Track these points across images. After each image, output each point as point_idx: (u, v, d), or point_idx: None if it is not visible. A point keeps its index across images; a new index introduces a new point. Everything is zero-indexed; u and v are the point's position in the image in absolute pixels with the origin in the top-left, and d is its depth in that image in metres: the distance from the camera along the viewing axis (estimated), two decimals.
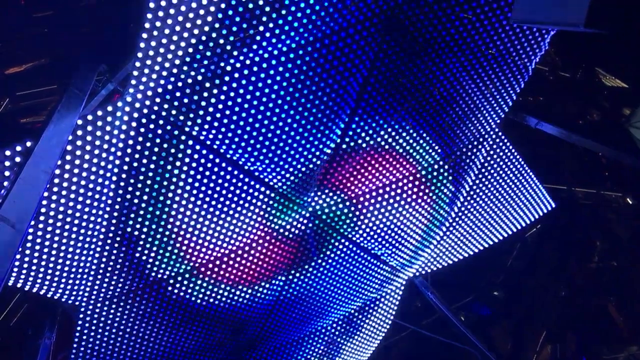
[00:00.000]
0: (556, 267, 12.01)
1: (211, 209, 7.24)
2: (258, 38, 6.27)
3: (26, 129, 8.05)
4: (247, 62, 6.36)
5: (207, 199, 7.14)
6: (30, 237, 6.39)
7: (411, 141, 8.11)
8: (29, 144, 5.53)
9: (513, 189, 9.69)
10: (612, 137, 9.60)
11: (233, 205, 7.34)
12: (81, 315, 7.47)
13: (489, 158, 9.15)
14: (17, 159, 5.60)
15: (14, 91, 7.84)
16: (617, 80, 10.15)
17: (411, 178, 8.62)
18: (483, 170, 9.22)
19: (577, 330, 11.85)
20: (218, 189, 7.12)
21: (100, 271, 7.17)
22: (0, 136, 7.66)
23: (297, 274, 8.60)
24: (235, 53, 6.26)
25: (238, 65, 6.35)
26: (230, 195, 7.26)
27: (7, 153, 5.69)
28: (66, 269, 6.91)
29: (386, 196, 8.55)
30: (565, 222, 11.59)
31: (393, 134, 7.90)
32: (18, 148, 5.65)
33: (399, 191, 8.59)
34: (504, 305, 12.31)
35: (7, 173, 5.55)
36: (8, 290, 7.38)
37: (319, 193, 7.99)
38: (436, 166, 8.67)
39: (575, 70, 10.35)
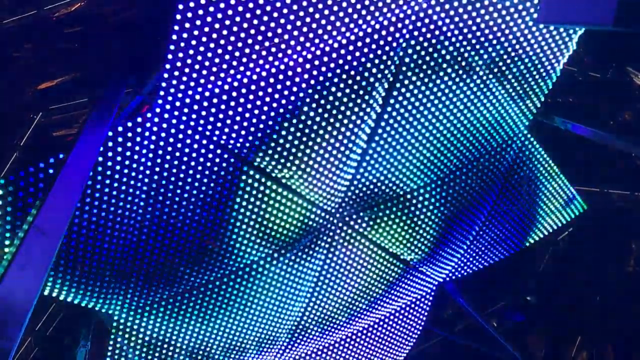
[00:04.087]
0: (590, 271, 11.77)
1: (240, 217, 7.29)
2: (283, 46, 6.32)
3: (59, 141, 8.22)
4: (273, 70, 6.42)
5: (236, 206, 7.20)
6: (64, 247, 6.53)
7: (438, 145, 8.06)
8: (61, 156, 5.67)
9: (543, 191, 9.56)
10: None
11: (262, 213, 7.38)
12: (115, 324, 7.59)
13: (517, 160, 9.05)
14: (51, 171, 5.76)
15: (47, 105, 8.01)
16: None
17: (439, 182, 8.56)
18: (512, 172, 9.12)
19: (614, 336, 11.59)
20: (246, 196, 7.18)
21: (133, 280, 7.28)
22: (34, 149, 7.85)
23: (326, 280, 8.60)
24: (261, 62, 6.32)
25: (264, 74, 6.41)
26: (258, 203, 7.31)
27: (42, 165, 5.86)
28: (100, 278, 7.03)
29: (414, 201, 8.51)
30: (598, 224, 11.36)
31: (420, 138, 7.86)
32: (51, 160, 5.80)
33: (427, 195, 8.54)
34: (538, 310, 12.10)
35: (41, 185, 5.71)
36: (44, 300, 7.54)
37: (346, 199, 7.99)
38: (464, 169, 8.60)
39: (605, 70, 10.18)
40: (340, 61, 6.68)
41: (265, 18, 6.15)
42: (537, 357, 11.86)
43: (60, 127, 8.15)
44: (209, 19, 5.93)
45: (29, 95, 7.92)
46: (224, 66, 6.20)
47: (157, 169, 6.51)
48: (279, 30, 6.23)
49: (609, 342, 11.63)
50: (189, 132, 6.43)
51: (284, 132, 6.87)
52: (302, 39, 6.37)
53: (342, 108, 7.01)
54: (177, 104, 6.26)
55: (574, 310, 11.95)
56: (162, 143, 6.38)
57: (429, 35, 7.01)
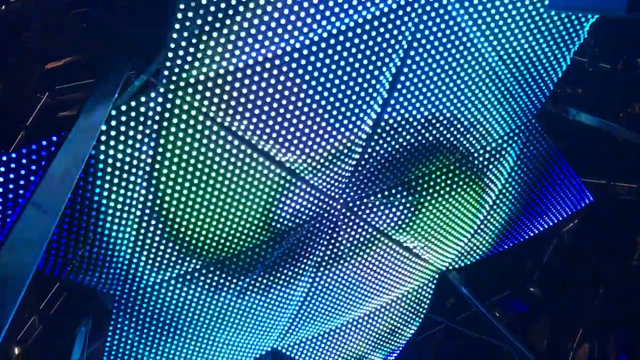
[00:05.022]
0: (595, 264, 11.69)
1: (242, 200, 7.24)
2: (290, 27, 6.25)
3: (64, 122, 8.19)
4: (279, 52, 6.34)
5: (239, 189, 7.15)
6: (66, 226, 6.52)
7: (445, 132, 7.98)
8: (63, 134, 5.64)
9: (549, 181, 9.46)
10: None
11: (264, 197, 7.34)
12: (115, 304, 7.59)
13: (524, 149, 8.95)
14: (53, 149, 5.73)
15: (53, 85, 7.99)
16: None
17: (445, 170, 8.49)
18: (518, 162, 9.03)
19: (617, 329, 11.54)
20: (250, 179, 7.13)
21: (135, 260, 7.26)
22: (40, 129, 7.83)
23: (328, 265, 8.57)
24: (266, 43, 6.25)
25: (270, 55, 6.34)
26: (262, 187, 7.26)
27: (44, 143, 5.84)
28: (100, 257, 7.02)
29: (419, 188, 8.45)
30: (604, 217, 11.26)
31: (426, 125, 7.79)
32: (54, 138, 5.77)
33: (432, 183, 8.48)
34: (541, 302, 12.06)
35: (42, 163, 5.69)
36: (48, 279, 7.54)
37: (349, 185, 7.94)
38: (470, 158, 8.52)
39: (615, 61, 10.03)
40: (348, 44, 6.59)
41: None
42: (538, 347, 11.82)
43: (66, 108, 8.12)
44: None
45: (36, 75, 7.89)
46: (229, 47, 6.13)
47: (160, 149, 6.47)
48: (286, 11, 6.15)
49: (613, 335, 11.58)
50: (193, 112, 6.37)
51: (288, 115, 6.80)
52: (309, 20, 6.28)
53: (348, 92, 6.93)
54: (181, 84, 6.20)
55: (577, 303, 11.89)
56: (165, 123, 6.33)
57: (438, 20, 6.91)
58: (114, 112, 6.09)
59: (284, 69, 6.47)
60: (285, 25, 6.22)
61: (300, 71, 6.55)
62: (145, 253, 7.23)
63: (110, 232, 6.84)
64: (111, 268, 7.22)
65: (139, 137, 6.30)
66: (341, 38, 6.53)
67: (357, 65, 6.75)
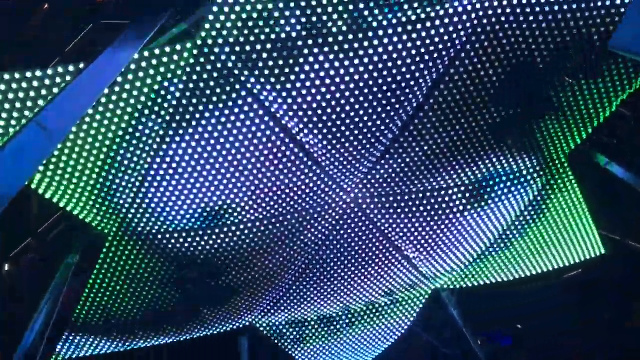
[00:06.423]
0: (586, 315, 11.49)
1: (247, 164, 7.09)
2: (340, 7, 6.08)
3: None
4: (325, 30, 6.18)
5: (251, 153, 7.00)
6: (74, 156, 6.43)
7: (479, 148, 7.76)
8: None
9: (565, 224, 9.21)
10: None
11: (272, 168, 7.20)
12: (107, 244, 7.53)
13: (547, 187, 8.72)
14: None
15: (100, 19, 7.91)
16: None
17: (462, 188, 8.31)
18: (538, 197, 8.81)
19: None
20: (266, 152, 7.00)
21: (135, 206, 7.18)
22: (76, 58, 7.75)
23: (327, 251, 8.46)
24: (314, 19, 6.09)
25: (314, 32, 6.17)
26: (276, 161, 7.14)
27: (71, 68, 5.75)
28: (102, 194, 6.94)
29: (432, 201, 8.28)
30: (609, 270, 11.03)
31: (454, 139, 7.60)
32: (81, 65, 5.67)
33: (447, 199, 8.29)
34: (525, 339, 11.90)
35: (63, 86, 5.61)
36: (48, 206, 7.47)
37: (364, 181, 7.80)
38: (491, 182, 8.32)
39: None
40: (390, 47, 6.40)
41: None
42: None
43: (107, 44, 8.05)
44: None
45: (84, 6, 7.82)
46: (276, 14, 5.98)
47: (184, 101, 6.35)
48: None
49: None
50: (225, 72, 6.24)
51: (319, 97, 6.64)
52: None
53: (385, 87, 6.75)
54: (220, 41, 6.06)
55: (561, 348, 11.72)
56: (195, 77, 6.20)
57: (499, 32, 6.69)
58: (146, 53, 5.98)
59: (326, 49, 6.30)
60: None
61: (342, 55, 6.38)
62: (147, 201, 7.15)
63: (117, 172, 6.74)
64: (110, 208, 7.15)
65: (166, 84, 6.18)
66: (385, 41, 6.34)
67: (402, 63, 6.57)
